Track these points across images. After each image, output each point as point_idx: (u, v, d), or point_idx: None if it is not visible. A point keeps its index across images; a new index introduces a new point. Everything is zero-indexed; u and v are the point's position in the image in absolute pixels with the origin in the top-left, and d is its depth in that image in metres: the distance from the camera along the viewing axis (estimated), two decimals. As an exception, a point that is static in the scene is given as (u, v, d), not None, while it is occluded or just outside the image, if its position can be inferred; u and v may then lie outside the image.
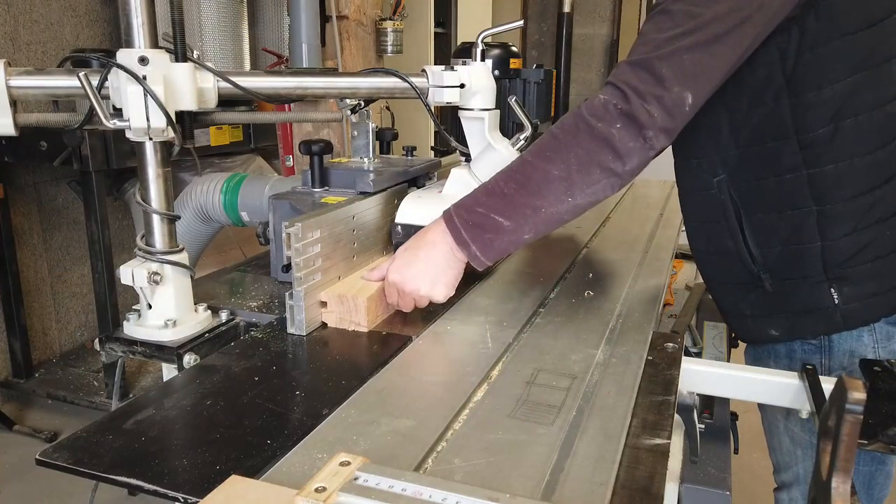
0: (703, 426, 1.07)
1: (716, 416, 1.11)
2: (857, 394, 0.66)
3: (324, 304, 1.10)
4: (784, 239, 1.10)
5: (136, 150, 1.03)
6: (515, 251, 1.08)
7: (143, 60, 0.94)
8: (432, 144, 3.80)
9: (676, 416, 0.98)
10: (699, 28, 0.95)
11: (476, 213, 1.06)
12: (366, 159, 1.45)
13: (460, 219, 1.07)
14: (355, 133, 1.46)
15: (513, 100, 1.32)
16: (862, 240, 1.06)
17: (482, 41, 1.30)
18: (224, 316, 1.15)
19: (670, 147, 1.06)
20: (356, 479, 0.63)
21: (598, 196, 1.02)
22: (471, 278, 1.14)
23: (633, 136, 0.97)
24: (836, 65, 1.01)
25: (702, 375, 1.05)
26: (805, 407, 1.00)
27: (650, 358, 0.98)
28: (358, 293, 1.09)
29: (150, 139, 1.00)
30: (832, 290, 1.09)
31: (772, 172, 1.08)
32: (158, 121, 0.95)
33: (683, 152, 1.18)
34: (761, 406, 1.30)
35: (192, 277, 1.11)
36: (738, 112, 1.08)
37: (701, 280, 1.34)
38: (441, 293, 1.10)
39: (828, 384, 0.96)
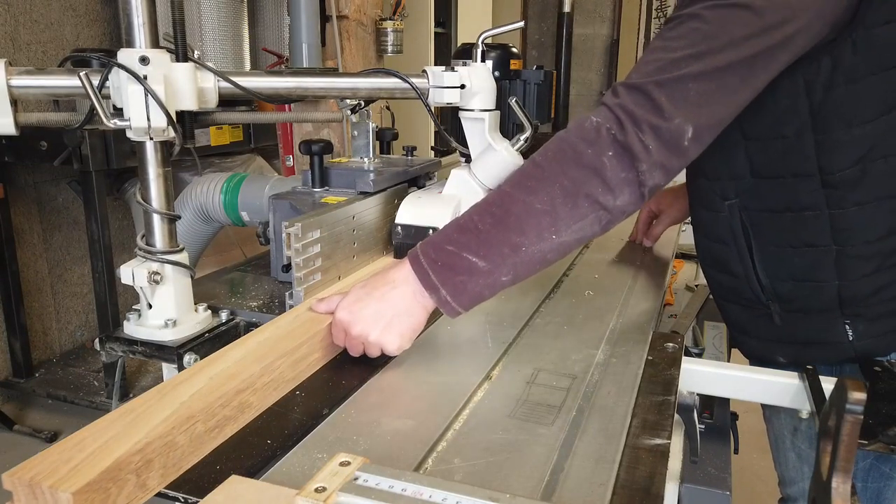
0: (703, 426, 1.07)
1: (716, 416, 1.11)
2: (858, 394, 0.66)
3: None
4: (798, 273, 1.05)
5: (137, 149, 1.03)
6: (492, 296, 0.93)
7: (143, 60, 0.94)
8: (432, 144, 3.80)
9: (676, 416, 0.98)
10: (711, 52, 0.84)
11: (445, 251, 0.89)
12: (366, 159, 1.45)
13: (427, 258, 0.90)
14: (355, 133, 1.46)
15: (513, 100, 1.31)
16: (882, 280, 1.02)
17: (482, 42, 1.30)
18: (224, 316, 1.15)
19: None
20: (356, 479, 0.62)
21: (585, 233, 0.89)
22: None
23: (625, 167, 0.86)
24: (871, 102, 0.93)
25: (702, 375, 1.05)
26: (805, 407, 1.00)
27: (650, 358, 0.98)
28: (60, 482, 0.58)
29: (151, 139, 1.00)
30: (847, 326, 1.05)
31: (789, 208, 1.01)
32: (159, 120, 0.95)
33: (694, 168, 1.12)
34: (767, 419, 1.29)
35: (192, 277, 1.11)
36: (755, 140, 1.01)
37: (704, 282, 1.34)
38: (393, 343, 0.92)
39: (828, 384, 0.96)
